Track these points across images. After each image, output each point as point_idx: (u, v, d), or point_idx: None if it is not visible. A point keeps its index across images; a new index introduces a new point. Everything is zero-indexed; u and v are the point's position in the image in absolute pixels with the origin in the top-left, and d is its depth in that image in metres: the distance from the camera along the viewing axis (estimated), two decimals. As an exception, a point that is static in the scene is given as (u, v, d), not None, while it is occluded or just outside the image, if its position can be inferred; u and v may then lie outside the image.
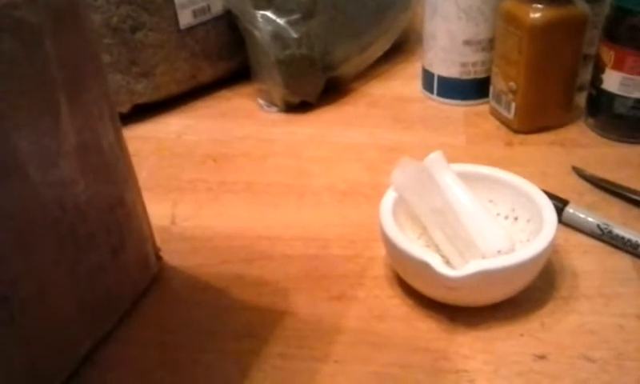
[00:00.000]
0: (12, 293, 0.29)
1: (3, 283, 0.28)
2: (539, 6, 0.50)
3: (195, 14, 0.59)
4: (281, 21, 0.57)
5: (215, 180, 0.52)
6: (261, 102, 0.63)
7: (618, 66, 0.50)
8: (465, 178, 0.41)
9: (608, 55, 0.51)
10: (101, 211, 0.34)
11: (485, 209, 0.40)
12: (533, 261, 0.35)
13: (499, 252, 0.37)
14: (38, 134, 0.29)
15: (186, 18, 0.58)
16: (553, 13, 0.50)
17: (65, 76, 0.30)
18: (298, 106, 0.62)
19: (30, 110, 0.28)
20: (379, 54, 0.67)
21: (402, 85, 0.66)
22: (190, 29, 0.59)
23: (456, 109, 0.61)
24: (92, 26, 0.32)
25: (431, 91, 0.62)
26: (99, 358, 0.36)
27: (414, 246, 0.37)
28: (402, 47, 0.73)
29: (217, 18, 0.61)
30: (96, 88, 0.33)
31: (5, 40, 0.26)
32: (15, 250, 0.29)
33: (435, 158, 0.41)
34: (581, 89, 0.57)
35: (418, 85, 0.65)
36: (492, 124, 0.58)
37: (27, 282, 0.30)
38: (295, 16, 0.57)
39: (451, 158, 0.42)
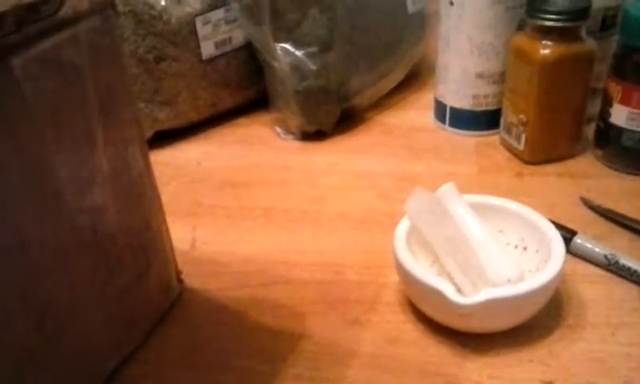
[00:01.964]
0: (47, 311, 0.31)
1: (40, 301, 0.30)
2: (549, 42, 0.52)
3: (217, 45, 0.61)
4: (299, 53, 0.59)
5: (234, 205, 0.54)
6: (278, 129, 0.65)
7: (626, 100, 0.52)
8: (476, 208, 0.43)
9: (615, 90, 0.52)
10: (129, 235, 0.36)
11: (495, 238, 0.42)
12: (541, 290, 0.37)
13: (509, 281, 0.38)
14: (76, 163, 0.31)
15: (208, 50, 0.61)
16: (562, 49, 0.52)
17: (101, 107, 0.32)
18: (314, 135, 0.64)
19: (70, 140, 0.30)
20: (393, 84, 0.69)
21: (415, 115, 0.68)
22: (212, 59, 0.62)
23: (467, 139, 0.63)
24: (125, 60, 0.34)
25: (443, 122, 0.64)
26: (123, 377, 0.38)
27: (427, 273, 0.38)
28: (415, 78, 0.75)
29: (237, 50, 0.63)
30: (128, 117, 0.35)
31: (50, 78, 0.28)
32: (51, 270, 0.30)
33: (448, 189, 0.43)
34: (589, 121, 0.59)
35: (430, 115, 0.67)
36: (502, 155, 0.60)
37: (61, 301, 0.31)
38: (313, 49, 0.59)
39: (462, 188, 0.44)
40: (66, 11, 0.27)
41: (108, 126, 0.32)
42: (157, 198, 0.40)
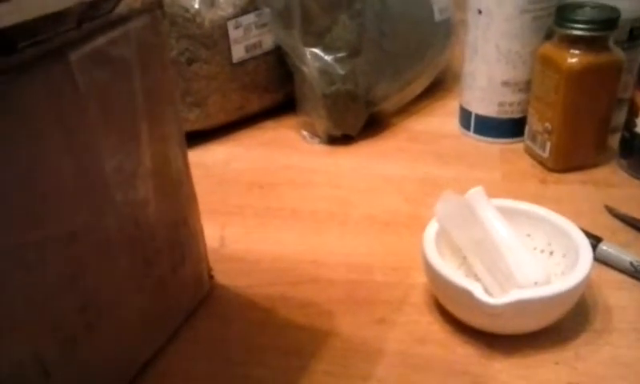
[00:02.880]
0: (91, 301, 0.32)
1: (84, 289, 0.31)
2: (576, 51, 0.53)
3: (247, 49, 0.63)
4: (328, 58, 0.60)
5: (261, 206, 0.55)
6: (304, 133, 0.66)
7: (652, 111, 0.52)
8: (504, 212, 0.43)
9: (642, 100, 0.53)
10: (167, 229, 0.37)
11: (522, 242, 0.42)
12: (569, 293, 0.37)
13: (536, 283, 0.39)
14: (122, 158, 0.32)
15: (238, 53, 0.62)
16: (589, 58, 0.52)
17: (146, 103, 0.33)
18: (340, 139, 0.65)
19: (117, 133, 0.31)
20: (419, 91, 0.70)
21: (440, 121, 0.69)
22: (242, 62, 0.63)
23: (492, 146, 0.63)
24: (171, 58, 0.35)
25: (468, 128, 0.65)
26: (154, 369, 0.39)
27: (456, 274, 0.39)
28: (440, 85, 0.76)
29: (266, 53, 0.65)
30: (170, 114, 0.36)
31: (102, 73, 0.29)
32: (96, 260, 0.32)
33: (476, 192, 0.43)
34: (614, 131, 0.59)
35: (455, 121, 0.68)
36: (527, 162, 0.60)
37: (104, 292, 0.33)
38: (342, 54, 0.60)
39: (487, 194, 0.44)
40: (121, 9, 0.28)
41: (152, 121, 0.34)
42: (193, 195, 0.41)
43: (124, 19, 0.29)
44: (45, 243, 0.28)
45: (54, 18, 0.24)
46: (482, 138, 0.64)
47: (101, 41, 0.28)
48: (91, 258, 0.31)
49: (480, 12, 0.59)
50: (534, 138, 0.59)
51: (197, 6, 0.59)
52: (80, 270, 0.31)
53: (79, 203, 0.29)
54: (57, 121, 0.27)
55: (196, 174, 0.60)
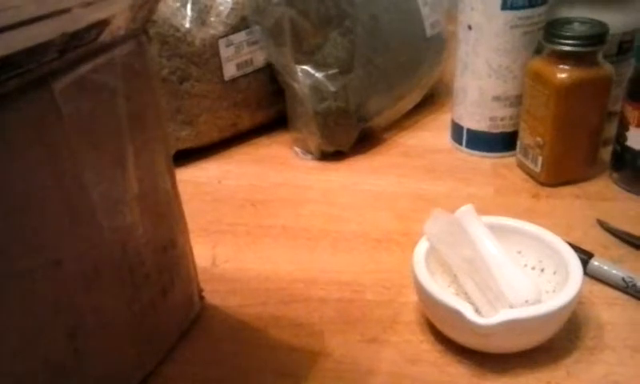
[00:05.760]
0: (78, 326, 0.31)
1: (71, 317, 0.31)
2: (566, 67, 0.53)
3: (239, 66, 0.63)
4: (319, 75, 0.60)
5: (254, 223, 0.55)
6: (297, 149, 0.66)
7: (642, 124, 0.53)
8: (494, 229, 0.43)
9: (632, 114, 0.53)
10: (156, 253, 0.37)
11: (513, 260, 0.42)
12: (559, 311, 0.37)
13: (526, 302, 0.39)
14: (108, 184, 0.32)
15: (230, 71, 0.62)
16: (579, 73, 0.53)
17: (132, 128, 0.33)
18: (333, 155, 0.65)
19: (103, 160, 0.31)
20: (411, 106, 0.70)
21: (432, 136, 0.69)
22: (234, 80, 0.63)
23: (484, 160, 0.63)
24: (158, 83, 0.35)
25: (460, 143, 0.65)
26: (146, 392, 0.39)
27: (446, 293, 0.39)
28: (432, 99, 0.76)
29: (258, 70, 0.65)
30: (157, 138, 0.36)
31: (87, 100, 0.29)
32: (83, 287, 0.31)
33: (466, 210, 0.43)
34: (606, 144, 0.59)
35: (447, 136, 0.68)
36: (519, 176, 0.60)
37: (91, 317, 0.32)
38: (333, 71, 0.60)
39: (479, 209, 0.44)
40: (105, 37, 0.28)
41: (138, 146, 0.34)
42: (182, 216, 0.41)
43: (108, 46, 0.29)
44: (32, 272, 0.28)
45: (36, 50, 0.24)
46: (474, 152, 0.64)
47: (84, 69, 0.28)
48: (79, 285, 0.31)
49: (470, 28, 0.59)
50: (525, 153, 0.59)
51: (187, 25, 0.59)
52: (68, 296, 0.31)
53: (66, 231, 0.29)
54: (42, 150, 0.27)
55: (188, 191, 0.61)
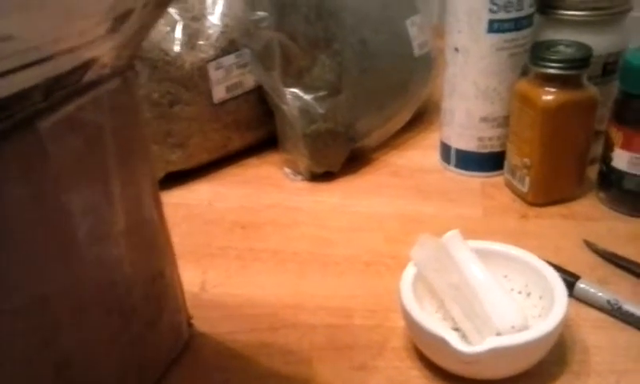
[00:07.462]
0: (65, 361, 0.32)
1: (58, 352, 0.31)
2: (551, 89, 0.53)
3: (228, 89, 0.63)
4: (308, 97, 0.60)
5: (244, 247, 0.55)
6: (287, 170, 0.66)
7: (627, 145, 0.53)
8: (481, 254, 0.44)
9: (617, 136, 0.54)
10: (144, 284, 0.37)
11: (499, 284, 0.43)
12: (545, 338, 0.37)
13: (513, 327, 0.39)
14: (94, 219, 0.32)
15: (219, 94, 0.63)
16: (564, 96, 0.53)
17: (119, 163, 0.33)
18: (322, 175, 0.65)
19: (90, 197, 0.31)
20: (400, 125, 0.71)
21: (421, 155, 0.69)
22: (223, 102, 0.63)
23: (473, 180, 0.64)
24: (145, 116, 0.36)
25: (448, 162, 0.65)
26: (135, 421, 0.39)
27: (432, 321, 0.39)
28: (421, 117, 0.76)
29: (248, 93, 0.65)
30: (144, 169, 0.36)
31: (73, 138, 0.29)
32: (69, 321, 0.31)
33: (453, 236, 0.44)
34: (592, 162, 0.60)
35: (436, 155, 0.68)
36: (508, 196, 0.61)
37: (79, 351, 0.32)
38: (322, 93, 0.61)
39: (468, 230, 0.45)
40: (90, 76, 0.28)
41: (125, 180, 0.34)
42: (169, 246, 0.41)
43: (94, 85, 0.30)
44: (18, 310, 0.28)
45: (21, 95, 0.24)
46: (462, 171, 0.65)
47: (70, 107, 0.28)
48: (65, 320, 0.31)
49: (457, 50, 0.60)
50: (513, 173, 0.59)
51: (177, 49, 0.59)
52: (54, 332, 0.31)
53: (52, 267, 0.30)
54: (27, 188, 0.27)
55: (179, 214, 0.61)
